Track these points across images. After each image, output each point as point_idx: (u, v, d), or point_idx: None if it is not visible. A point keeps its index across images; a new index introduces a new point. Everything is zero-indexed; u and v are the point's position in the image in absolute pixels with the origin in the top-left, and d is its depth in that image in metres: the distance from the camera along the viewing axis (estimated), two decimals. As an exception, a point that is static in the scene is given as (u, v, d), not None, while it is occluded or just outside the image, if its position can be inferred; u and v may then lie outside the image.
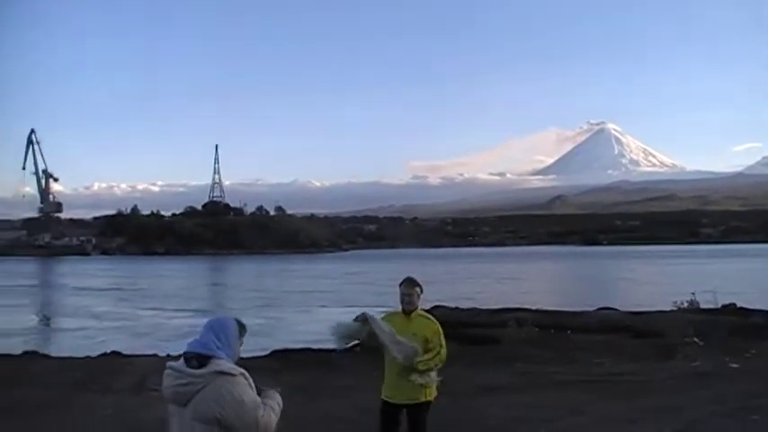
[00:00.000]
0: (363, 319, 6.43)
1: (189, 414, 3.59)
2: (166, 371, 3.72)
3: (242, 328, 3.90)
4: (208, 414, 3.54)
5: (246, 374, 3.70)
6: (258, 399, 3.71)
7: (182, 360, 3.70)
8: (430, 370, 6.29)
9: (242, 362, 3.79)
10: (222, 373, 3.59)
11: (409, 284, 6.48)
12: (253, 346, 21.52)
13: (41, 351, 19.61)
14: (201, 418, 3.55)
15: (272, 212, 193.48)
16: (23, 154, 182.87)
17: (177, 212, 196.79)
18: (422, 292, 6.53)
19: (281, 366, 14.53)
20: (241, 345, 3.90)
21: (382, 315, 6.60)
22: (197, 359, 3.63)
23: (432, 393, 6.42)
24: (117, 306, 41.96)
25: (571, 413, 10.11)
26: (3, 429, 9.88)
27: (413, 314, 6.43)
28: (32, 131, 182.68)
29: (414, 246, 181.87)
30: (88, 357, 17.46)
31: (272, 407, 3.78)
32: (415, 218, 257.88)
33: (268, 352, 16.34)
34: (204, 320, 3.93)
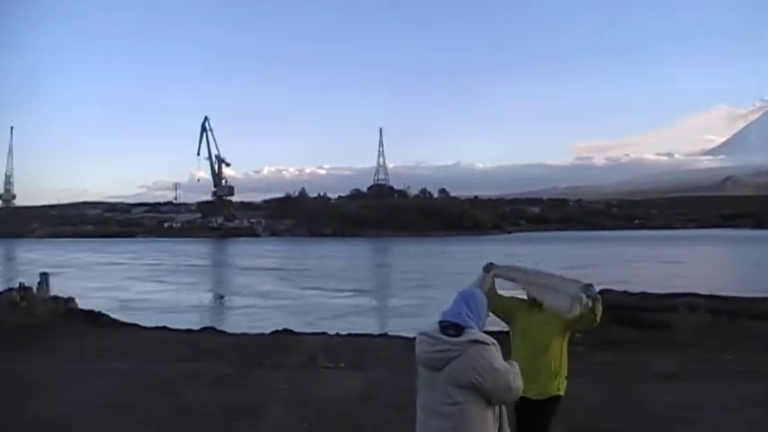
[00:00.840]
0: (487, 270, 5.90)
1: (443, 379, 3.84)
2: (420, 337, 4.02)
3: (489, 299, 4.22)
4: (463, 379, 3.78)
5: (497, 344, 3.90)
6: (509, 366, 3.91)
7: (435, 327, 3.97)
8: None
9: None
10: (477, 341, 3.85)
11: None
12: (402, 326, 21.04)
13: (218, 327, 20.54)
14: (456, 383, 3.80)
15: (435, 195, 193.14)
16: (198, 141, 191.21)
17: (343, 195, 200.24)
18: None
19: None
20: (487, 316, 4.22)
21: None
22: (453, 328, 3.90)
23: (563, 387, 5.63)
24: (281, 285, 42.96)
25: (745, 404, 9.47)
26: (189, 394, 10.32)
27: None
28: (206, 119, 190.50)
29: (578, 228, 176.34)
30: (261, 334, 18.08)
31: (517, 373, 3.95)
32: (580, 200, 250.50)
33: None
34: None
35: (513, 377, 3.88)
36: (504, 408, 4.04)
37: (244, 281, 47.44)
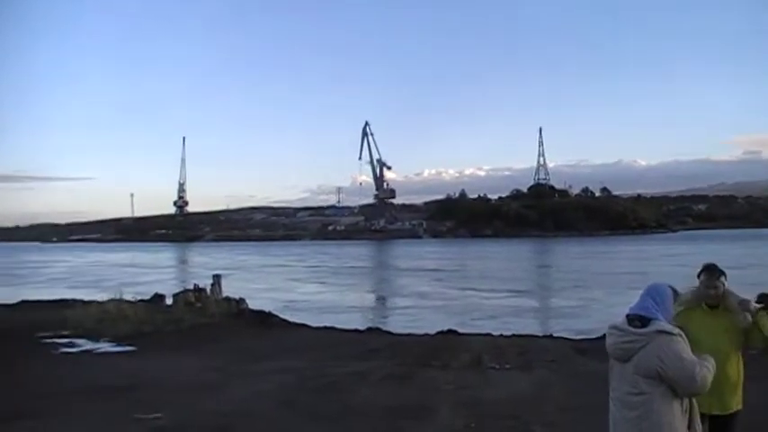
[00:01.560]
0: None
1: (631, 369, 3.96)
2: (610, 330, 4.13)
3: (675, 293, 4.27)
4: (649, 369, 3.87)
5: (683, 335, 3.99)
6: (695, 357, 3.96)
7: (623, 320, 4.07)
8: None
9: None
10: (663, 332, 3.93)
11: (711, 274, 5.25)
12: (560, 327, 20.46)
13: (383, 328, 20.65)
14: (643, 372, 3.90)
15: (597, 194, 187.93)
16: (359, 145, 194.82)
17: (503, 195, 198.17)
18: (726, 280, 5.27)
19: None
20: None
21: (678, 310, 5.01)
22: (639, 320, 4.00)
23: (740, 402, 5.16)
24: (439, 286, 42.75)
25: None
26: (358, 392, 10.42)
27: (719, 308, 5.22)
28: (367, 124, 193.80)
29: (747, 226, 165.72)
30: (426, 335, 18.17)
31: (707, 367, 4.01)
32: (749, 196, 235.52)
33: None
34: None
35: (699, 368, 3.91)
36: (694, 402, 4.09)
37: (403, 282, 47.78)
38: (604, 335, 4.20)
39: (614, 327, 4.12)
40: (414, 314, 28.18)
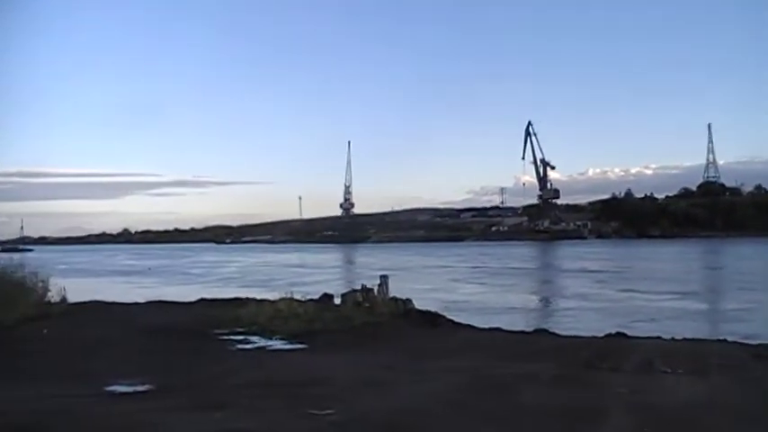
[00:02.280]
0: None
1: None
2: None
3: None
4: None
5: None
6: None
7: None
8: None
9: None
10: None
11: None
12: (726, 331, 19.49)
13: (550, 329, 20.30)
14: None
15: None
16: (522, 145, 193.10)
17: (671, 194, 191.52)
18: None
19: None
20: None
21: None
22: None
23: None
24: (602, 288, 41.94)
25: None
26: (528, 393, 10.20)
27: None
28: (529, 124, 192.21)
29: None
30: (594, 337, 17.78)
31: None
32: None
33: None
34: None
35: None
36: None
37: (566, 283, 47.40)
38: None
39: None
40: (577, 316, 27.90)
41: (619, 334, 18.01)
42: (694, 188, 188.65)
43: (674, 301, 32.87)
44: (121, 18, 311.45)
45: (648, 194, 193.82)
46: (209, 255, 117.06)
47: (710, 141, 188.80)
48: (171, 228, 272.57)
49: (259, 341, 16.89)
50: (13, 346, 15.73)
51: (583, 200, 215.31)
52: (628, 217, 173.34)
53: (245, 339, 17.08)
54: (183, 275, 62.32)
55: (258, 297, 24.52)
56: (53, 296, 22.80)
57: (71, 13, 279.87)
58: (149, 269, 73.81)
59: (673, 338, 17.60)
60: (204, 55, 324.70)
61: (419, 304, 22.32)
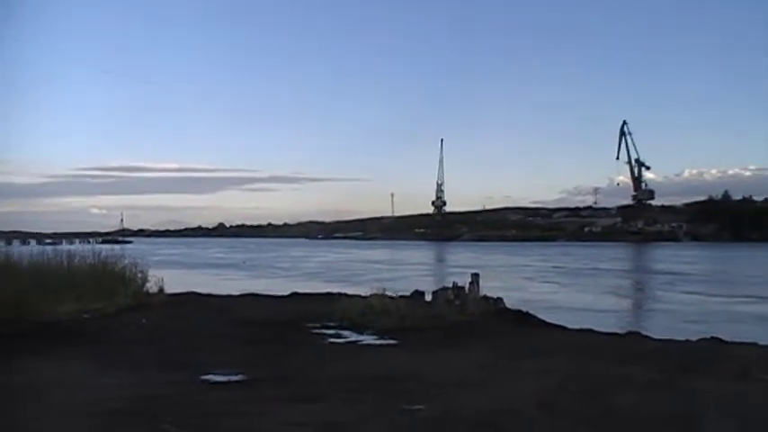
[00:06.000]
0: None
1: None
2: None
3: None
4: None
5: None
6: None
7: None
8: None
9: None
10: None
11: None
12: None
13: (642, 332, 19.88)
14: None
15: None
16: (616, 145, 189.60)
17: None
18: None
19: None
20: None
21: None
22: None
23: None
24: (694, 291, 40.39)
25: None
26: (621, 397, 10.09)
27: None
28: (624, 123, 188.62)
29: None
30: (687, 341, 17.37)
31: None
32: None
33: None
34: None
35: None
36: None
37: (654, 285, 46.62)
38: None
39: None
40: (668, 318, 27.23)
41: (714, 338, 17.53)
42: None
43: (754, 305, 32.11)
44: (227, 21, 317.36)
45: (747, 197, 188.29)
46: (297, 250, 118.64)
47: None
48: (264, 223, 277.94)
49: (351, 336, 17.04)
50: (113, 334, 16.31)
51: (678, 201, 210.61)
52: (725, 219, 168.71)
53: (337, 333, 17.26)
54: (269, 269, 63.37)
55: (349, 293, 24.70)
56: (151, 287, 23.49)
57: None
58: (244, 262, 75.32)
59: (769, 346, 17.01)
60: (299, 54, 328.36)
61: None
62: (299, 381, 11.22)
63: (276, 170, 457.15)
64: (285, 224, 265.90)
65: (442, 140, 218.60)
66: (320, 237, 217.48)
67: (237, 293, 27.57)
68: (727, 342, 17.09)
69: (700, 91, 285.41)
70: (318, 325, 18.33)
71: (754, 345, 16.72)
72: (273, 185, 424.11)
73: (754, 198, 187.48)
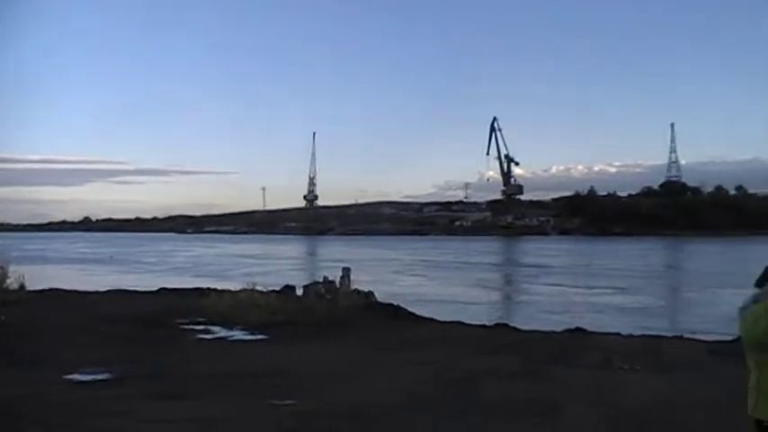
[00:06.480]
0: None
1: None
2: None
3: None
4: None
5: None
6: None
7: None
8: None
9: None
10: None
11: None
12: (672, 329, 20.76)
13: (510, 324, 20.48)
14: None
15: (731, 192, 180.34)
16: (487, 141, 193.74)
17: (633, 193, 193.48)
18: None
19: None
20: None
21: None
22: None
23: None
24: (556, 283, 42.14)
25: None
26: (488, 387, 10.40)
27: None
28: (495, 119, 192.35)
29: None
30: (553, 332, 18.06)
31: None
32: None
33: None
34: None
35: None
36: None
37: (522, 278, 48.09)
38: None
39: None
40: (536, 310, 28.14)
41: (578, 329, 18.23)
42: (656, 187, 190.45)
43: (631, 297, 33.29)
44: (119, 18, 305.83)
45: (611, 192, 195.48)
46: (166, 244, 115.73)
47: (673, 141, 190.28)
48: (132, 217, 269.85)
49: (220, 331, 16.84)
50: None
51: (546, 196, 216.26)
52: (591, 214, 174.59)
53: (207, 329, 17.02)
54: (136, 264, 61.79)
55: (218, 287, 24.48)
56: (11, 283, 22.56)
57: None
58: (111, 257, 73.06)
59: (631, 335, 17.81)
60: (174, 45, 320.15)
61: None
62: (167, 378, 10.99)
63: (144, 163, 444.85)
64: (154, 218, 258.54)
65: (314, 134, 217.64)
66: (190, 231, 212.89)
67: (104, 289, 26.65)
68: (590, 332, 17.83)
69: (568, 90, 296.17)
70: (187, 321, 18.00)
71: (617, 335, 17.57)
72: (142, 178, 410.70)
73: (619, 194, 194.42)
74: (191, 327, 17.35)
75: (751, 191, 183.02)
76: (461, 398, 9.82)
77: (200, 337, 16.04)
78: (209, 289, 24.39)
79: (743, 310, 4.07)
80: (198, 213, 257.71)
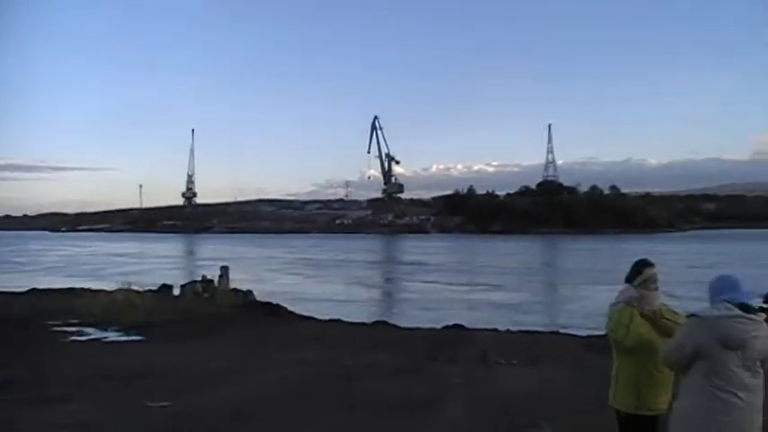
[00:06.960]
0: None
1: (753, 354, 4.09)
2: (737, 319, 4.09)
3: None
4: (763, 351, 4.13)
5: None
6: None
7: (735, 309, 4.12)
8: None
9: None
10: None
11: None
12: (548, 324, 21.44)
13: (389, 321, 20.81)
14: (764, 355, 4.14)
15: (606, 191, 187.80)
16: (368, 139, 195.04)
17: (512, 192, 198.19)
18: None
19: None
20: None
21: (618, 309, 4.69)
22: (747, 308, 4.15)
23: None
24: (440, 281, 42.84)
25: None
26: (368, 384, 10.54)
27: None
28: (376, 118, 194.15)
29: (757, 226, 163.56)
30: (433, 329, 18.33)
31: None
32: (759, 196, 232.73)
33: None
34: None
35: None
36: None
37: (401, 275, 48.64)
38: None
39: (740, 316, 4.11)
40: (414, 308, 28.52)
41: (456, 326, 18.57)
42: (534, 186, 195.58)
43: (508, 294, 34.11)
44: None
45: (490, 191, 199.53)
46: (37, 243, 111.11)
47: (550, 142, 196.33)
48: (2, 214, 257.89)
49: (94, 333, 16.41)
50: None
51: (426, 195, 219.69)
52: (470, 213, 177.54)
53: (80, 331, 16.55)
54: (4, 264, 59.07)
55: (92, 287, 23.86)
56: None
57: None
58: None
59: (508, 330, 18.37)
60: (51, 31, 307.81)
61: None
62: (40, 383, 10.55)
63: (13, 158, 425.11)
64: (25, 216, 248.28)
65: (192, 130, 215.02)
66: (63, 229, 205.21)
67: (-33, 291, 25.58)
68: (468, 329, 18.20)
69: (448, 89, 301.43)
70: (60, 322, 17.44)
71: (495, 330, 18.09)
72: (11, 174, 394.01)
73: (497, 193, 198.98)
74: (63, 328, 16.80)
75: (624, 190, 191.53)
76: (343, 394, 9.91)
77: (73, 339, 15.56)
78: (82, 289, 23.76)
79: (612, 306, 4.50)
80: (71, 211, 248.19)
